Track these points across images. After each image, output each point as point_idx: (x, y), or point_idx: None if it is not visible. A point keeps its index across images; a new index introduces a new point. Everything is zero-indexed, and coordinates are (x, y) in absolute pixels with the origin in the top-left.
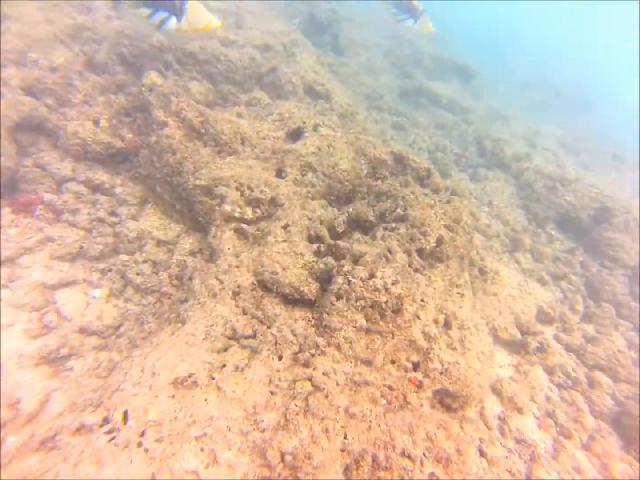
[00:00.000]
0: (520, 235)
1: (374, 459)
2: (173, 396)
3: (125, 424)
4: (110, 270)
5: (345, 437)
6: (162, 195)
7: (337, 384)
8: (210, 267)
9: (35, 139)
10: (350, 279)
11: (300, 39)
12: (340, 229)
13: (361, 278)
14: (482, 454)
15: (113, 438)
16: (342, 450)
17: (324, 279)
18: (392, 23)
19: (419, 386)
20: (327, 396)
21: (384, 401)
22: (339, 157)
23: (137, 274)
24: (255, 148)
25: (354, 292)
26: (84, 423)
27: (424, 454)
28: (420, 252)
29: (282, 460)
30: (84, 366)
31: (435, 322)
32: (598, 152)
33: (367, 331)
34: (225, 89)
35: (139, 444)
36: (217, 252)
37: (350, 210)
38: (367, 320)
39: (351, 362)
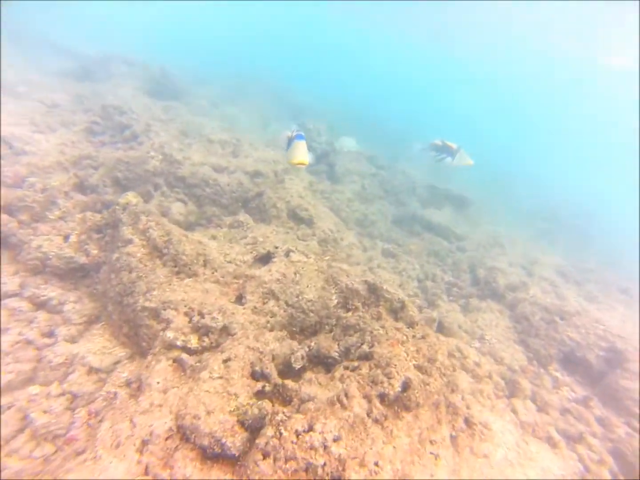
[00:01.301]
0: (518, 377)
1: None
2: None
3: None
4: (10, 408)
5: None
6: (112, 315)
7: None
8: (129, 404)
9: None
10: (282, 431)
11: (291, 167)
12: (297, 365)
13: (296, 431)
14: None
15: None
16: None
17: (256, 428)
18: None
19: None
20: None
21: None
22: (305, 286)
23: (44, 412)
24: (216, 271)
25: (284, 449)
26: None
27: None
28: (382, 398)
29: None
30: None
31: None
32: (604, 283)
33: None
34: (209, 211)
35: None
36: (144, 386)
37: (312, 344)
38: None
39: None
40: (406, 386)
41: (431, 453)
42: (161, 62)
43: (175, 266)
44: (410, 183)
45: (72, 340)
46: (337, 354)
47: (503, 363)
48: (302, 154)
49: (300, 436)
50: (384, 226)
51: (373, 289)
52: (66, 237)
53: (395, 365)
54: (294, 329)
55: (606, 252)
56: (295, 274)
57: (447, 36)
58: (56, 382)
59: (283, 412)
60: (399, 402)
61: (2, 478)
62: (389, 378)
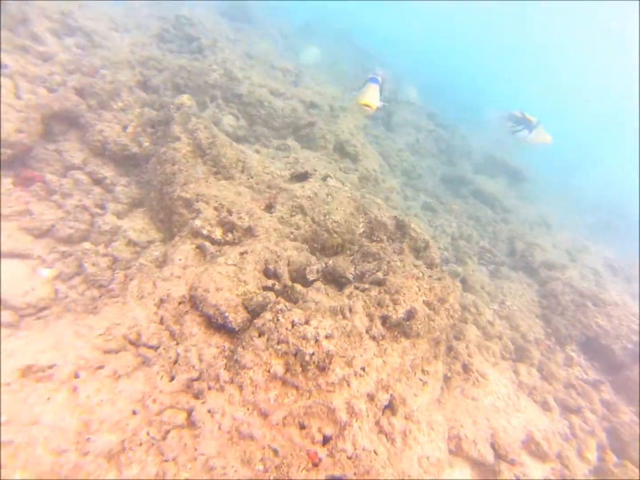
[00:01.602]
0: (530, 346)
1: None
2: (8, 384)
3: None
4: (70, 255)
5: None
6: (152, 201)
7: (219, 428)
8: (154, 271)
9: (67, 129)
10: (280, 318)
11: (351, 106)
12: (311, 277)
13: (292, 321)
14: None
15: None
16: None
17: (257, 314)
18: None
19: (315, 464)
20: (196, 436)
21: (260, 466)
22: (335, 207)
23: (93, 264)
24: (252, 178)
25: (278, 332)
26: None
27: None
28: (384, 320)
29: None
30: None
31: (371, 399)
32: None
33: (283, 382)
34: (259, 131)
35: None
36: (168, 260)
37: (330, 262)
38: (285, 370)
39: (248, 409)
40: (410, 315)
41: (420, 379)
42: None
43: (215, 166)
44: (467, 147)
45: (118, 215)
46: (352, 275)
47: (518, 330)
48: (371, 96)
49: (295, 326)
50: (430, 182)
51: (401, 225)
52: (124, 127)
53: (404, 294)
54: (316, 245)
55: None
56: (327, 195)
57: None
58: (103, 244)
59: (285, 305)
60: (399, 328)
61: None
62: (395, 304)
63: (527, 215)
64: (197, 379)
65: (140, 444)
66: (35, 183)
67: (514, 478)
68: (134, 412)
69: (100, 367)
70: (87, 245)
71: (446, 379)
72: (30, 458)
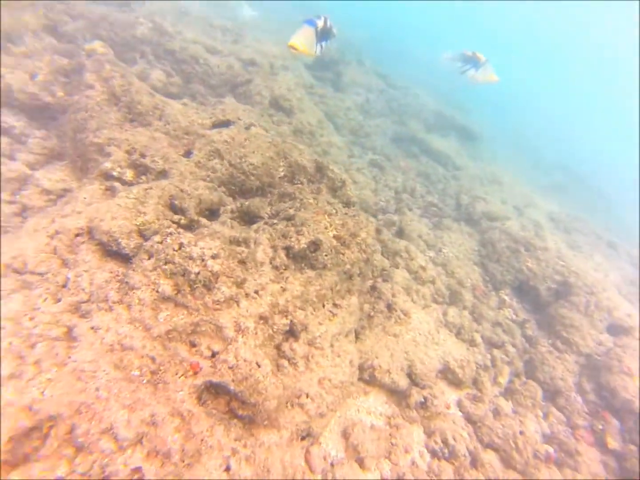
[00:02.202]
0: (463, 291)
1: (71, 429)
2: None
3: None
4: None
5: (42, 393)
6: (69, 150)
7: (101, 342)
8: (54, 209)
9: None
10: (168, 239)
11: (295, 66)
12: (225, 216)
13: (180, 243)
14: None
15: None
16: (28, 409)
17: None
18: None
19: (196, 372)
20: (71, 347)
21: (136, 372)
22: (251, 151)
23: None
24: (169, 124)
25: (165, 253)
26: None
27: (140, 441)
28: (287, 250)
29: None
30: None
31: (264, 320)
32: (595, 236)
33: (175, 303)
34: (195, 88)
35: None
36: (72, 199)
37: (246, 203)
38: (175, 291)
39: (134, 325)
40: (316, 247)
41: (330, 311)
42: None
43: (130, 113)
44: (419, 105)
45: (31, 166)
46: (267, 215)
47: (454, 277)
48: (300, 38)
49: (182, 247)
50: (380, 141)
51: (320, 168)
52: (32, 75)
53: (310, 225)
54: (234, 187)
55: (613, 211)
56: (245, 140)
57: None
58: (9, 191)
59: (175, 230)
60: (304, 260)
61: None
62: (298, 235)
63: (480, 173)
64: (86, 302)
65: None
66: None
67: (422, 399)
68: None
69: None
70: None
71: (369, 317)
72: None
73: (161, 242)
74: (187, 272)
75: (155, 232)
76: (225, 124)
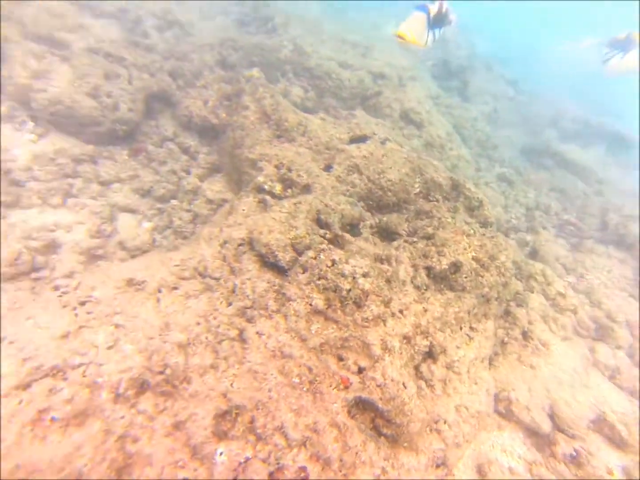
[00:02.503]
0: (616, 326)
1: (252, 420)
2: (119, 288)
3: (75, 290)
4: (164, 212)
5: (231, 385)
6: (226, 165)
7: (265, 346)
8: (221, 220)
9: (162, 107)
10: (321, 256)
11: (422, 77)
12: (364, 232)
13: (332, 259)
14: None
15: (62, 296)
16: (224, 395)
17: (303, 253)
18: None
19: (347, 387)
20: (244, 349)
21: (296, 379)
22: (389, 166)
23: (179, 219)
24: (311, 140)
25: (319, 269)
26: (57, 284)
27: (304, 444)
28: (429, 270)
29: (162, 371)
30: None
31: (407, 340)
32: None
33: (325, 317)
34: (327, 102)
35: (74, 309)
36: (232, 211)
37: (384, 219)
38: (326, 305)
39: (291, 335)
40: (456, 269)
41: (467, 335)
42: None
43: (277, 130)
44: (554, 111)
45: (200, 179)
46: (404, 232)
47: (601, 308)
48: (407, 25)
49: (335, 264)
50: (508, 153)
51: (456, 185)
52: (205, 102)
53: (450, 246)
54: (371, 203)
55: None
56: (382, 155)
57: None
58: (186, 202)
59: (327, 246)
60: (444, 280)
61: None
62: (440, 255)
63: (630, 188)
64: (249, 307)
65: (201, 343)
66: (142, 153)
67: (573, 452)
68: (198, 323)
69: (175, 288)
70: (174, 202)
71: (502, 344)
72: (133, 339)
73: (315, 258)
74: (338, 289)
75: (307, 247)
76: (362, 138)
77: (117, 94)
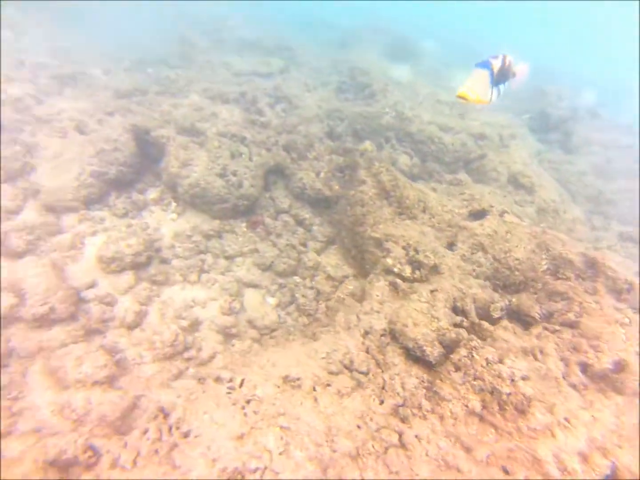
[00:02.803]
0: None
1: None
2: (278, 387)
3: (240, 387)
4: (285, 287)
5: None
6: (344, 239)
7: (426, 454)
8: (355, 305)
9: (277, 179)
10: (474, 354)
11: (521, 133)
12: (495, 314)
13: (487, 359)
14: None
15: (230, 393)
16: None
17: (450, 349)
18: None
19: None
20: (409, 457)
21: None
22: (515, 245)
23: (303, 296)
24: (433, 217)
25: (474, 369)
26: (220, 377)
27: None
28: (584, 367)
29: None
30: (241, 346)
31: (584, 459)
32: None
33: (481, 419)
34: (431, 167)
35: (242, 407)
36: (366, 296)
37: (513, 300)
38: (482, 407)
39: (450, 440)
40: (620, 368)
41: None
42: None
43: (399, 207)
44: None
45: (317, 252)
46: (538, 315)
47: None
48: (471, 85)
49: (489, 364)
50: (627, 207)
51: (592, 263)
52: (318, 174)
53: (607, 341)
54: (497, 282)
55: None
56: (506, 232)
57: None
58: (308, 278)
59: (477, 341)
60: (605, 380)
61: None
62: (596, 351)
63: None
64: (401, 405)
65: (370, 454)
66: (259, 226)
67: None
68: (359, 427)
69: (328, 385)
70: (297, 279)
71: None
72: (302, 445)
73: (467, 356)
74: (496, 391)
75: (454, 341)
76: (481, 213)
77: (241, 172)
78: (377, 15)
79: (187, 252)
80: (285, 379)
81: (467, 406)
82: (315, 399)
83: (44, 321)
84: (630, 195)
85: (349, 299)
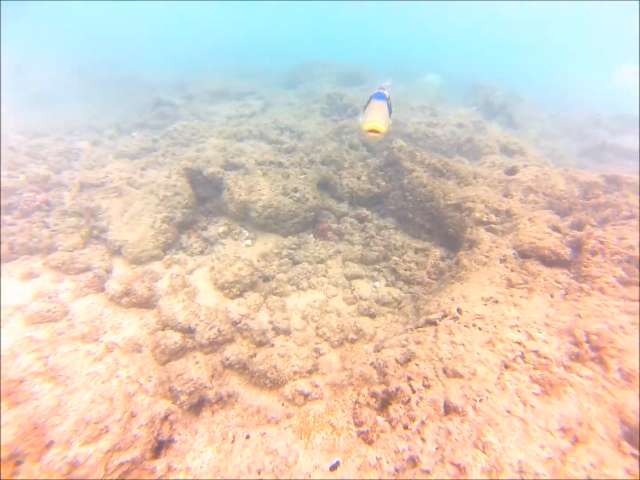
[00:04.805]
0: None
1: None
2: (485, 304)
3: (461, 315)
4: (381, 271)
5: None
6: (414, 219)
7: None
8: (473, 251)
9: (322, 190)
10: (603, 239)
11: (482, 119)
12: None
13: (613, 239)
14: None
15: (457, 320)
16: None
17: (573, 248)
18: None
19: None
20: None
21: None
22: (555, 181)
23: (406, 270)
24: (486, 179)
25: (609, 248)
26: (431, 319)
27: None
28: None
29: (589, 339)
30: (396, 317)
31: None
32: None
33: (627, 284)
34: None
35: (474, 325)
36: (476, 242)
37: (573, 219)
38: (626, 273)
39: (619, 301)
40: None
41: None
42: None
43: (457, 179)
44: (594, 116)
45: (392, 234)
46: (595, 223)
47: None
48: (376, 117)
49: (619, 241)
50: (570, 157)
51: (613, 179)
52: (358, 177)
53: None
54: (552, 211)
55: None
56: (543, 174)
57: None
58: (403, 256)
59: (599, 231)
60: None
61: None
62: None
63: None
64: (566, 294)
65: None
66: (328, 232)
67: None
68: (551, 310)
69: (512, 295)
70: (395, 258)
71: None
72: (534, 328)
73: (599, 243)
74: (632, 259)
75: (572, 242)
76: (512, 169)
77: (302, 188)
78: (310, 55)
79: (284, 266)
80: (483, 299)
81: (615, 276)
82: (515, 304)
83: (215, 344)
84: (568, 150)
85: (463, 253)
